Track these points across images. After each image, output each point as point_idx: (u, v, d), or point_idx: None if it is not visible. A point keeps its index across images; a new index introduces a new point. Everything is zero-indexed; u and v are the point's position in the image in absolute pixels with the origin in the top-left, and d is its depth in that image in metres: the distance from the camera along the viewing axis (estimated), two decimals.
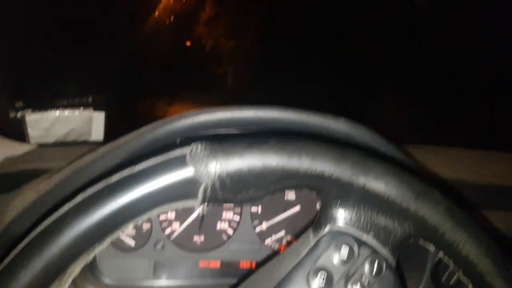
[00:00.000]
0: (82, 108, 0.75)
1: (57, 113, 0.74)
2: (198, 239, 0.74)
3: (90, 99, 0.76)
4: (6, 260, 0.29)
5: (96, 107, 0.76)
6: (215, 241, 0.75)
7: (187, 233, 0.73)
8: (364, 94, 2.44)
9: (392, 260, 0.36)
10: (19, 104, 0.73)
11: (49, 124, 0.75)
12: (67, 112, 0.75)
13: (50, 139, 0.76)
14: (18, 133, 0.74)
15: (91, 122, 0.77)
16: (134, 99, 1.97)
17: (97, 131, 0.79)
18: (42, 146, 0.77)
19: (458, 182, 0.77)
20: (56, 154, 0.75)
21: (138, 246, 0.72)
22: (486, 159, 0.93)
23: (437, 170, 0.77)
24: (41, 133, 0.75)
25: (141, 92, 2.10)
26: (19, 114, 0.73)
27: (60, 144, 0.77)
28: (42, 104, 0.74)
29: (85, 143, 0.79)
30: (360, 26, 2.69)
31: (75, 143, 0.78)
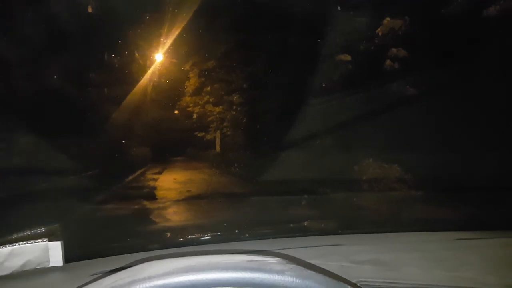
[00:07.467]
0: (36, 240, 0.73)
1: (10, 248, 0.72)
2: None
3: (44, 230, 0.73)
4: None
5: (52, 237, 0.74)
6: None
7: None
8: None
9: None
10: None
11: (3, 258, 0.73)
12: (20, 246, 0.73)
13: (7, 271, 0.74)
14: None
15: (47, 251, 0.75)
16: None
17: (55, 258, 0.76)
18: (0, 278, 0.75)
19: None
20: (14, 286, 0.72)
21: None
22: None
23: None
24: None
25: None
26: None
27: (18, 275, 0.75)
28: None
29: (44, 270, 0.76)
30: None
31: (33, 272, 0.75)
